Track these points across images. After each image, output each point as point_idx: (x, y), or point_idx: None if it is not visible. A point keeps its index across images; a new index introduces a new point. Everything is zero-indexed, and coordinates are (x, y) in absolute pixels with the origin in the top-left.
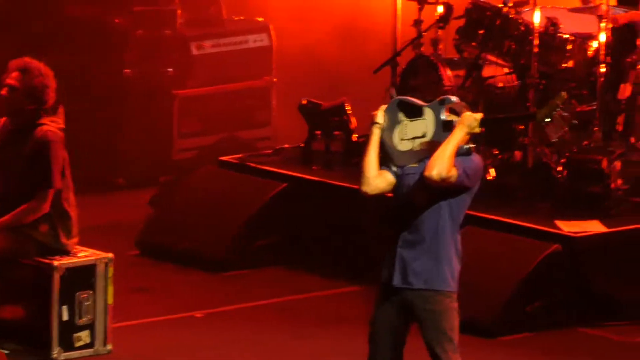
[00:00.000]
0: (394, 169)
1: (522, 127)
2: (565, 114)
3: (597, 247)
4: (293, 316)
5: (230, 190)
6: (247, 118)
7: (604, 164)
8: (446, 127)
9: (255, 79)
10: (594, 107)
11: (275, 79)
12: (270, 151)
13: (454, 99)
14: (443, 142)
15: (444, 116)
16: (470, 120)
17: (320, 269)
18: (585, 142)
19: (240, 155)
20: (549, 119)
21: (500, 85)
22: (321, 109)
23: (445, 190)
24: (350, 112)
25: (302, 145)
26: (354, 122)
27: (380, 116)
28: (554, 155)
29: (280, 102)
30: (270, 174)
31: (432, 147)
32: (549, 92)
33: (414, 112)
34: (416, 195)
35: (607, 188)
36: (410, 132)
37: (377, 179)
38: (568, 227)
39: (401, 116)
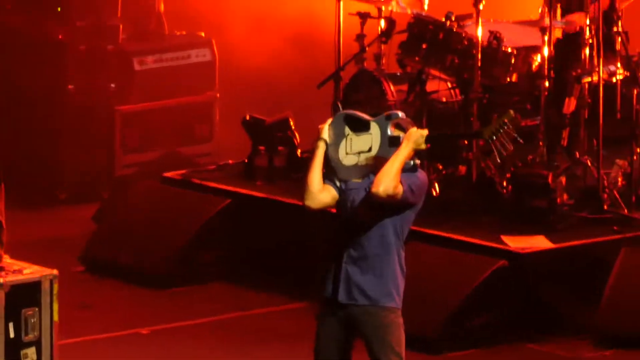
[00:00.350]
0: (338, 183)
1: (466, 142)
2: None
3: (543, 262)
4: (236, 333)
5: (174, 206)
6: (190, 133)
7: (550, 178)
8: (392, 143)
9: (197, 94)
10: (538, 122)
11: (217, 94)
12: (213, 167)
13: (400, 114)
14: (390, 159)
15: (390, 131)
16: (416, 136)
17: (264, 285)
18: (530, 157)
19: (183, 171)
20: (494, 137)
21: (444, 99)
22: (265, 124)
23: (390, 206)
24: (294, 127)
25: (245, 160)
26: (297, 137)
27: (325, 130)
28: (499, 169)
29: (223, 117)
30: (214, 190)
31: (377, 162)
32: (493, 106)
33: (360, 126)
34: (361, 211)
35: (552, 203)
36: (356, 147)
37: (321, 193)
38: (514, 242)
39: (347, 130)
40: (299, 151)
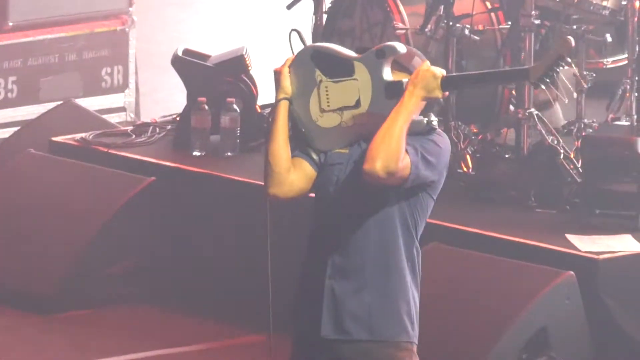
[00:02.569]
0: (314, 155)
1: (514, 91)
2: (575, 71)
3: (627, 274)
4: None
5: (68, 188)
6: (93, 78)
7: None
8: (391, 91)
9: (103, 18)
10: (625, 62)
11: (135, 18)
12: (128, 128)
13: (400, 47)
14: (388, 116)
15: (387, 74)
16: (427, 78)
17: (202, 307)
18: (612, 115)
19: (82, 134)
20: (548, 80)
21: (480, 27)
22: (207, 63)
23: (394, 189)
24: (251, 68)
25: (176, 119)
26: (256, 85)
27: (285, 76)
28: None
29: (143, 53)
30: (130, 162)
31: (371, 121)
32: (553, 40)
33: (339, 69)
34: (349, 198)
35: None
36: (336, 100)
37: (291, 174)
38: (585, 244)
39: (319, 74)
40: (258, 106)
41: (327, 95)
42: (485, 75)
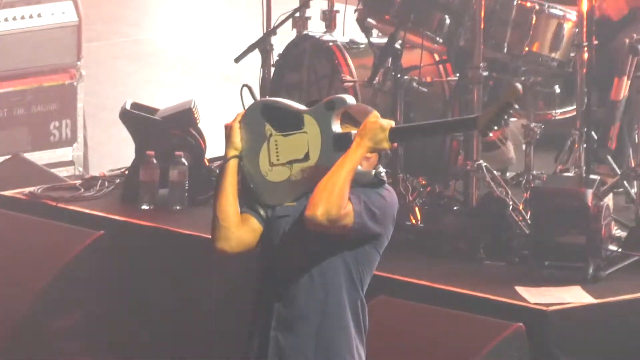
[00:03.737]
0: (261, 211)
1: (455, 143)
2: (524, 122)
3: (577, 326)
4: None
5: (14, 242)
6: (42, 132)
7: (589, 199)
8: (340, 143)
9: (53, 72)
10: (573, 114)
11: (83, 72)
12: (77, 182)
13: (349, 99)
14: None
15: (337, 126)
16: (374, 130)
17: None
18: (561, 167)
19: (31, 188)
20: (495, 127)
21: (428, 79)
22: (156, 117)
23: (337, 239)
24: (200, 121)
25: (125, 172)
26: (204, 138)
27: (236, 131)
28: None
29: (92, 106)
30: (78, 216)
31: (318, 175)
32: (503, 91)
33: (289, 122)
34: (294, 249)
35: (594, 237)
36: (285, 153)
37: (239, 229)
38: (534, 296)
39: (269, 128)
40: (206, 159)
41: (276, 149)
42: (433, 125)
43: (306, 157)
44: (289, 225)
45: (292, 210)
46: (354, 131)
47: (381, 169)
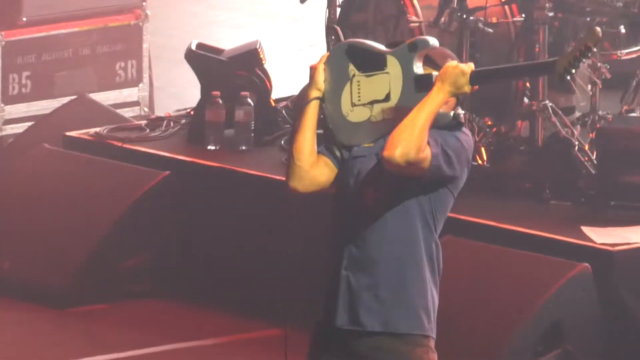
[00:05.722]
0: (337, 152)
1: (528, 84)
2: (598, 63)
3: None
4: None
5: (82, 183)
6: (107, 72)
7: None
8: (421, 84)
9: (118, 12)
10: (638, 53)
11: (148, 12)
12: (142, 122)
13: (431, 41)
14: (414, 108)
15: (418, 68)
16: (454, 73)
17: (218, 301)
18: (626, 107)
19: (96, 128)
20: (573, 70)
21: (494, 20)
22: (221, 57)
23: (414, 181)
24: (265, 61)
25: (191, 113)
26: (270, 78)
27: (320, 73)
28: (577, 127)
29: (158, 47)
30: (144, 156)
31: (398, 116)
32: (569, 31)
33: (372, 63)
34: (369, 189)
35: None
36: (367, 94)
37: (314, 169)
38: (601, 236)
39: (352, 69)
40: (272, 100)
41: (358, 89)
42: (512, 68)
43: (387, 97)
44: (365, 165)
45: (369, 151)
46: (435, 73)
47: (460, 111)
